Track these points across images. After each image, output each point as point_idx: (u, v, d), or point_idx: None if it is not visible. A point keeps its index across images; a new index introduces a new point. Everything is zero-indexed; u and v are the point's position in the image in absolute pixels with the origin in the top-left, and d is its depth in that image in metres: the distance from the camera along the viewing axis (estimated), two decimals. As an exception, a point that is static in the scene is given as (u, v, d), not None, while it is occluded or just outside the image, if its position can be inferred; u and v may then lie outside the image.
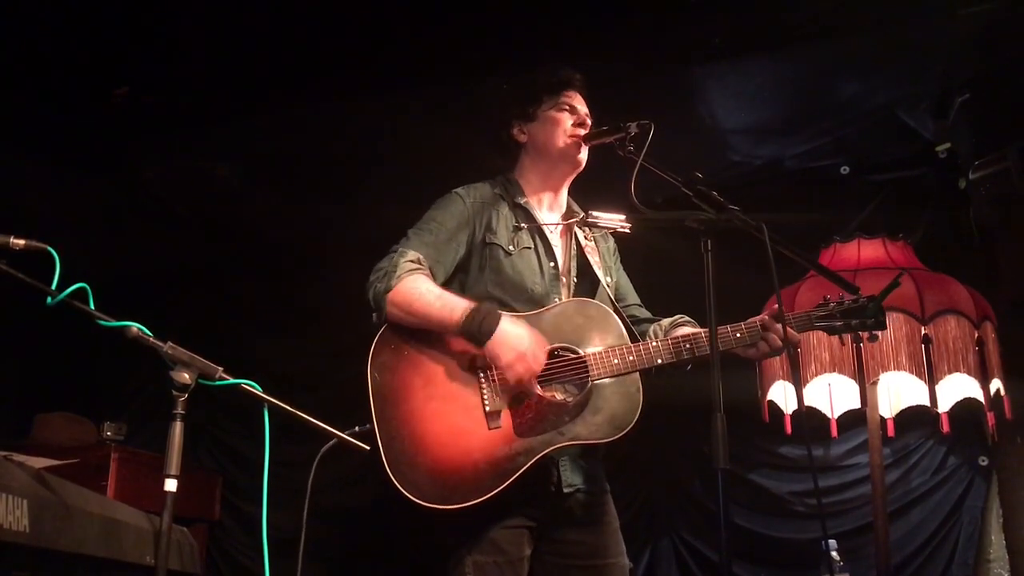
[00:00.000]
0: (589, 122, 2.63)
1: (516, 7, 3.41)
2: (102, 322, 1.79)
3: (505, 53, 3.51)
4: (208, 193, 4.58)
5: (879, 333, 2.47)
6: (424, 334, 2.40)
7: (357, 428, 2.26)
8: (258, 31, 3.58)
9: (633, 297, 2.82)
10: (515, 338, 2.33)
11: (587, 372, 2.39)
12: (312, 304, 5.00)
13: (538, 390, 2.35)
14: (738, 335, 2.44)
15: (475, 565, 2.31)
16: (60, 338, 4.40)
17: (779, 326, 2.39)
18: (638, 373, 2.43)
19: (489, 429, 2.33)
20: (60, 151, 4.12)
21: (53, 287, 1.77)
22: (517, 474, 2.29)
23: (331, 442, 2.02)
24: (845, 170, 4.33)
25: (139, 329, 1.80)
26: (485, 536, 2.33)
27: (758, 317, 2.47)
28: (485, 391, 2.37)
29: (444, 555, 2.37)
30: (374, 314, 2.44)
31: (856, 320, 2.44)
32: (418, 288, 2.39)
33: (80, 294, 1.79)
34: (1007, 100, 3.66)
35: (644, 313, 2.78)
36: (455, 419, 2.34)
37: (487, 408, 2.35)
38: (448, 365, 2.39)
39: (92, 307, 1.80)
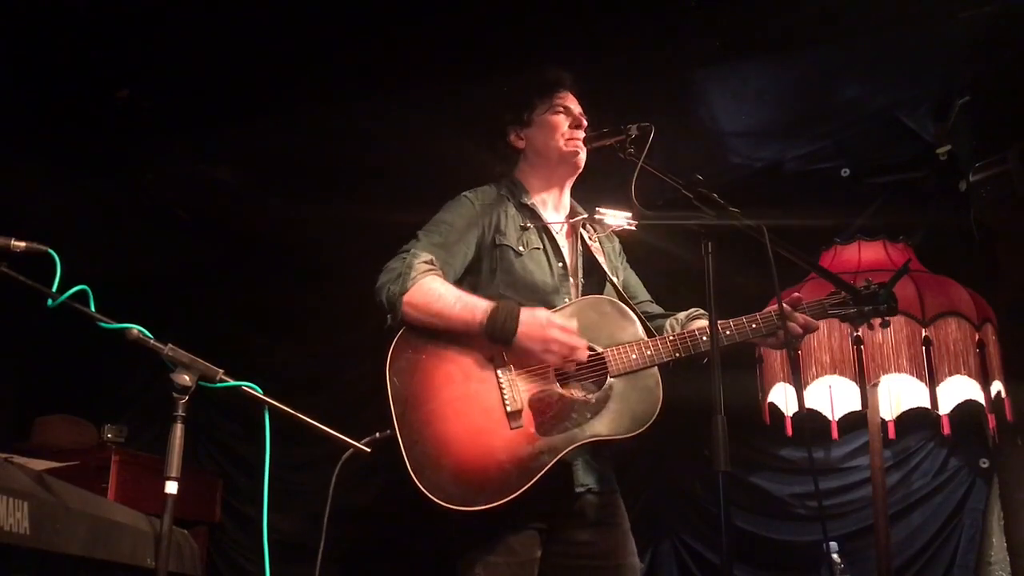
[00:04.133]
0: (585, 121, 2.63)
1: (516, 9, 3.42)
2: (103, 324, 1.79)
3: (505, 56, 3.51)
4: (209, 196, 4.59)
5: (891, 320, 2.48)
6: (440, 337, 2.39)
7: (377, 434, 2.25)
8: (259, 34, 3.59)
9: (644, 294, 2.83)
10: (538, 327, 2.33)
11: (606, 369, 2.39)
12: (313, 306, 5.01)
13: (584, 357, 2.35)
14: (754, 326, 2.45)
15: (486, 566, 2.31)
16: (61, 340, 4.40)
17: (797, 314, 2.42)
18: (656, 368, 2.43)
19: (511, 429, 2.33)
20: (61, 153, 4.12)
21: (54, 289, 1.77)
22: (542, 472, 2.28)
23: (349, 452, 2.03)
24: (845, 172, 4.34)
25: (140, 331, 1.80)
26: (497, 537, 2.32)
27: (772, 307, 2.48)
28: (505, 390, 2.36)
29: (455, 555, 2.36)
30: (388, 316, 2.41)
31: (868, 307, 2.44)
32: (436, 289, 2.38)
33: (81, 296, 1.79)
34: (1007, 102, 3.66)
35: (656, 308, 2.78)
36: (477, 420, 2.33)
37: (508, 408, 2.34)
38: (466, 366, 2.38)
39: (93, 309, 1.80)
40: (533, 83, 2.71)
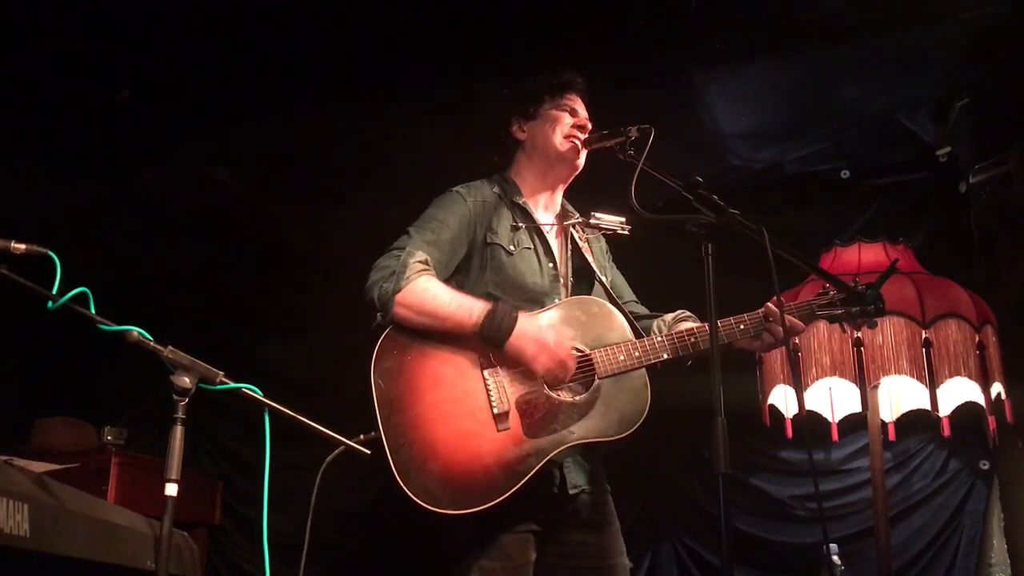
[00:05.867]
0: (589, 126, 2.64)
1: (516, 10, 3.42)
2: (103, 326, 1.79)
3: (505, 57, 3.51)
4: (208, 197, 4.59)
5: (878, 320, 2.48)
6: (426, 338, 2.37)
7: (362, 436, 2.21)
8: (258, 35, 3.59)
9: (629, 294, 2.83)
10: (535, 331, 2.34)
11: (593, 370, 2.39)
12: (313, 307, 5.00)
13: (573, 369, 2.35)
14: (742, 327, 2.46)
15: (482, 571, 2.30)
16: (60, 343, 4.40)
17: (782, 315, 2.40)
18: (645, 369, 2.43)
19: (498, 431, 2.32)
20: (61, 155, 4.12)
21: (54, 291, 1.77)
22: (529, 475, 2.28)
23: (339, 449, 2.01)
24: (845, 174, 4.33)
25: (139, 333, 1.80)
26: (492, 541, 2.32)
27: (761, 308, 2.48)
28: (492, 392, 2.35)
29: (450, 559, 2.35)
30: (378, 314, 2.39)
31: (856, 307, 2.44)
32: (430, 289, 2.36)
33: (81, 298, 1.79)
34: (1007, 104, 3.66)
35: (642, 309, 2.78)
36: (463, 422, 2.31)
37: (495, 410, 2.33)
38: (453, 368, 2.36)
39: (93, 311, 1.80)
40: (546, 80, 2.70)
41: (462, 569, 2.32)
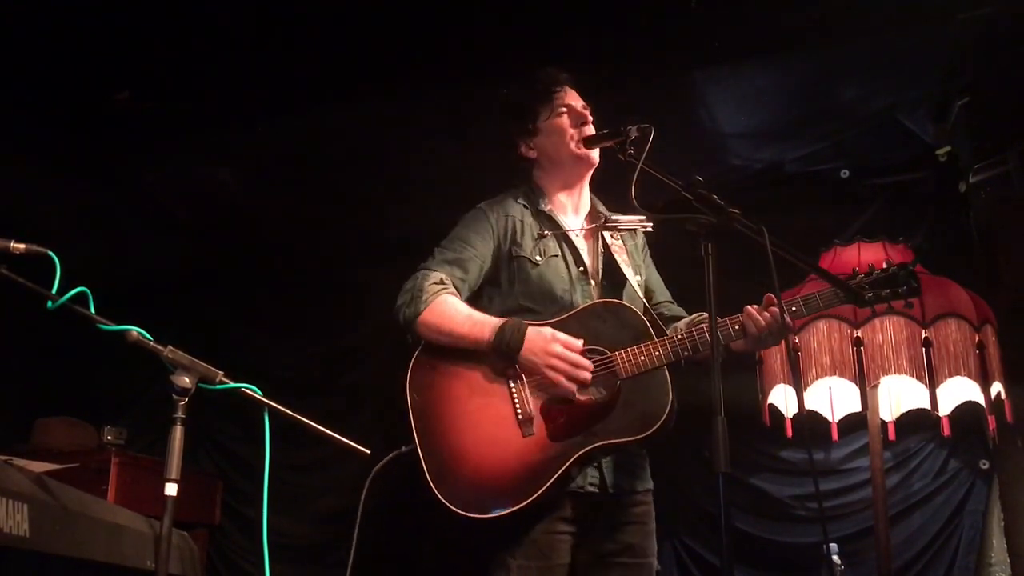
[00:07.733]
0: (589, 116, 2.66)
1: (517, 11, 3.42)
2: (102, 326, 1.79)
3: (506, 57, 3.51)
4: (209, 197, 4.59)
5: (914, 302, 2.48)
6: (455, 353, 2.47)
7: (404, 448, 2.38)
8: (259, 35, 3.59)
9: (663, 294, 2.84)
10: (541, 344, 2.39)
11: (615, 371, 2.42)
12: (313, 308, 5.01)
13: (587, 377, 2.39)
14: (736, 327, 2.45)
15: (520, 569, 2.36)
16: (60, 342, 4.39)
17: (766, 313, 2.42)
18: (666, 368, 2.44)
19: (523, 437, 2.39)
20: (61, 155, 4.12)
21: (53, 291, 1.77)
22: (552, 479, 2.33)
23: (385, 460, 2.22)
24: (845, 174, 4.33)
25: (139, 333, 1.80)
26: (528, 539, 2.38)
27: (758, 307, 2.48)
28: (516, 400, 2.42)
29: (486, 557, 2.42)
30: (408, 336, 2.51)
31: (887, 290, 2.44)
32: (447, 310, 2.46)
33: (80, 298, 1.79)
34: (1007, 103, 3.66)
35: (673, 310, 2.80)
36: (490, 430, 2.40)
37: (519, 416, 2.41)
38: (480, 379, 2.45)
39: (92, 311, 1.80)
40: (531, 89, 2.72)
41: (498, 565, 2.38)
